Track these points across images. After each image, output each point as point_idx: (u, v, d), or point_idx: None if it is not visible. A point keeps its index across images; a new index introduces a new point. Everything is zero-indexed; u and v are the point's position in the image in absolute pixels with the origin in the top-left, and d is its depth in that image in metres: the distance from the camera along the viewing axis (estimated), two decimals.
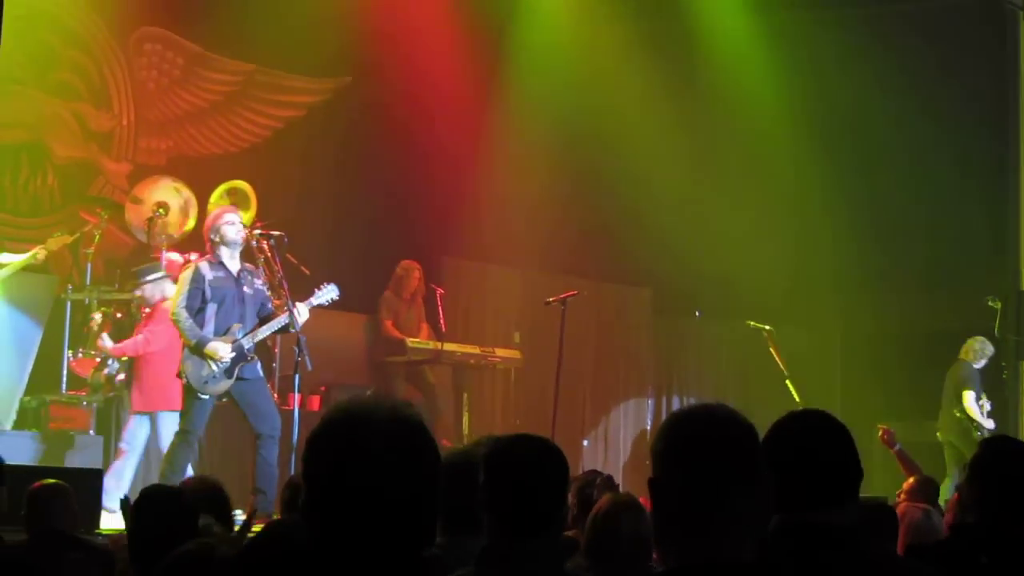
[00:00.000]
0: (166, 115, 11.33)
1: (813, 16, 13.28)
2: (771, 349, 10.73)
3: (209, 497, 4.25)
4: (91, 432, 9.08)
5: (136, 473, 8.63)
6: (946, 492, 8.69)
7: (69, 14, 10.75)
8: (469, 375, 11.39)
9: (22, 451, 8.71)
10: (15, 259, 8.93)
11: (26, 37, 9.83)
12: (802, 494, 2.57)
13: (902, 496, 5.94)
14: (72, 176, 10.71)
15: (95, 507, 6.94)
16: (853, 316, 13.82)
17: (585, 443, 13.00)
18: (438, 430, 10.05)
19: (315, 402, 10.35)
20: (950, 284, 12.91)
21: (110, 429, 9.29)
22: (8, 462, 4.89)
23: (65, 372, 9.36)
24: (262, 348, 8.45)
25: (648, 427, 13.47)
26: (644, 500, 2.83)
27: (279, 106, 11.95)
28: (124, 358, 9.04)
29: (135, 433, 8.64)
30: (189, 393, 7.93)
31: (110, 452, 8.94)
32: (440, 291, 10.99)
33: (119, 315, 9.46)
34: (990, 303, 11.91)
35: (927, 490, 5.91)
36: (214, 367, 7.84)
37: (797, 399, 10.22)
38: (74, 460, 8.62)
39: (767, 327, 10.87)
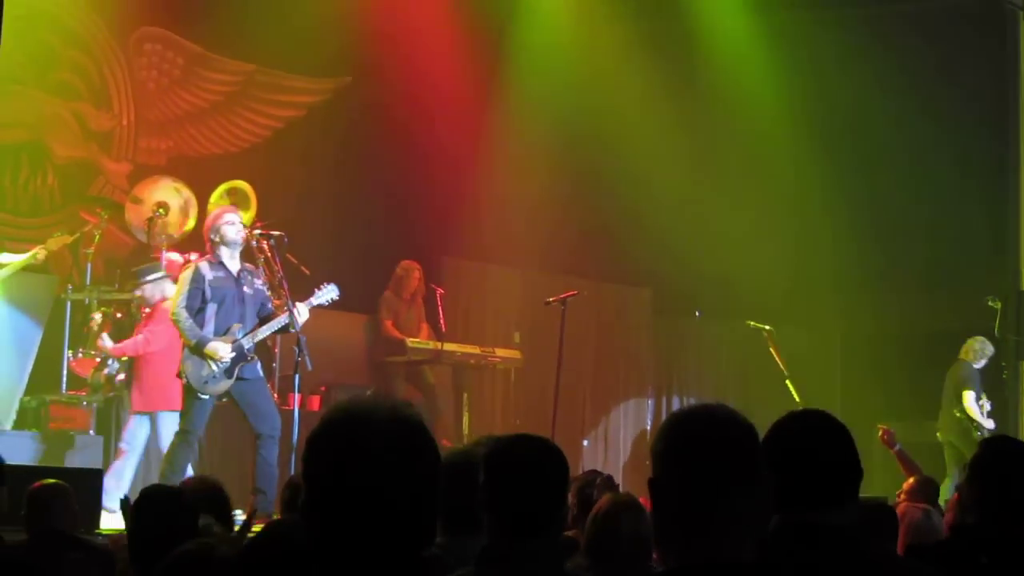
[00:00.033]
0: (166, 115, 11.33)
1: (813, 16, 13.28)
2: (771, 349, 10.73)
3: (209, 497, 4.25)
4: (91, 432, 9.08)
5: (136, 473, 8.63)
6: (946, 492, 8.69)
7: (69, 14, 10.75)
8: (469, 375, 11.39)
9: (22, 451, 8.71)
10: (15, 259, 8.92)
11: (26, 37, 9.83)
12: (802, 494, 2.57)
13: (902, 496, 5.94)
14: (72, 176, 10.71)
15: (95, 507, 6.94)
16: (853, 316, 13.82)
17: (585, 443, 13.01)
18: (438, 430, 10.05)
19: (315, 402, 10.35)
20: (950, 284, 12.91)
21: (110, 429, 9.28)
22: (8, 462, 4.89)
23: (65, 372, 9.36)
24: (262, 348, 8.45)
25: (648, 427, 13.47)
26: (644, 500, 2.83)
27: (279, 106, 11.95)
28: (124, 358, 9.03)
29: (135, 433, 8.64)
30: (189, 393, 7.93)
31: (110, 452, 8.94)
32: (440, 291, 11.00)
33: (119, 315, 9.46)
34: (990, 303, 11.91)
35: (927, 490, 5.91)
36: (214, 367, 7.83)
37: (797, 399, 10.22)
38: (74, 460, 8.61)
39: (767, 327, 10.87)
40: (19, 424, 9.11)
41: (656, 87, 12.86)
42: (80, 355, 9.24)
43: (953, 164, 12.96)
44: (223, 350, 7.81)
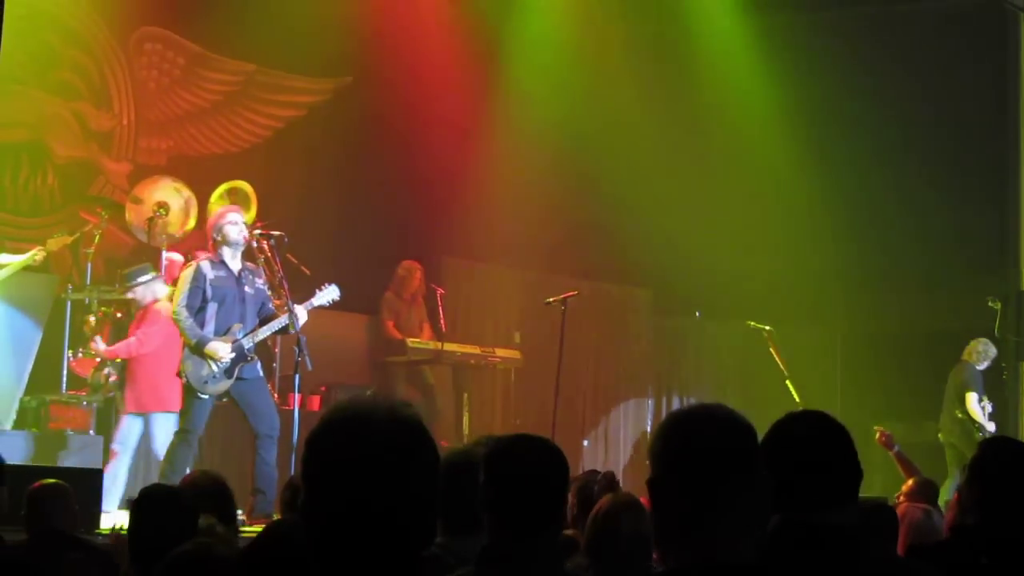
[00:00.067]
0: (166, 115, 11.33)
1: (814, 17, 13.29)
2: (771, 349, 10.73)
3: (213, 493, 4.24)
4: (91, 432, 9.07)
5: (131, 473, 8.60)
6: (946, 493, 8.69)
7: (70, 14, 10.75)
8: (469, 375, 11.39)
9: (22, 451, 8.72)
10: (15, 259, 8.92)
11: (27, 37, 9.83)
12: (802, 494, 2.57)
13: (901, 498, 5.94)
14: (72, 176, 10.71)
15: (95, 507, 6.93)
16: (853, 316, 13.82)
17: (585, 443, 13.01)
18: (437, 431, 10.05)
19: (315, 402, 10.34)
20: (950, 284, 12.91)
21: (110, 429, 9.27)
22: (8, 462, 4.89)
23: (65, 372, 9.36)
24: (262, 348, 8.45)
25: (648, 427, 13.47)
26: (645, 500, 2.83)
27: (279, 106, 11.95)
28: (118, 360, 9.01)
29: (127, 434, 8.60)
30: (189, 393, 7.93)
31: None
32: (440, 291, 11.00)
33: (119, 315, 9.45)
34: (990, 304, 11.92)
35: (927, 492, 5.90)
36: (214, 367, 7.83)
37: (797, 399, 10.22)
38: (74, 460, 8.61)
39: (767, 327, 10.87)
40: (19, 424, 9.11)
41: (655, 87, 12.87)
42: (80, 355, 9.24)
43: (953, 164, 12.96)
44: (223, 350, 7.81)
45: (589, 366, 13.09)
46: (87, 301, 9.40)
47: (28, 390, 9.25)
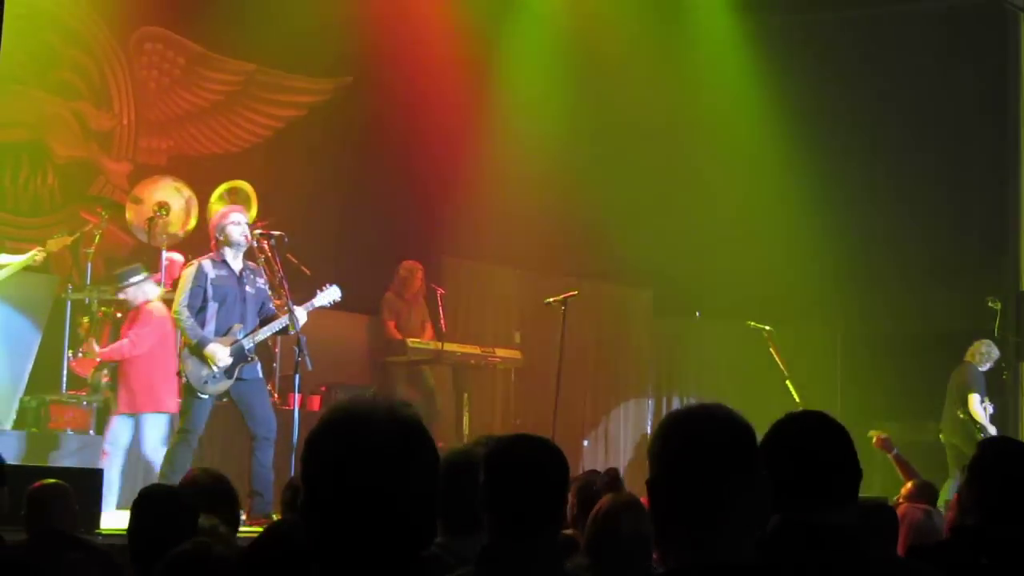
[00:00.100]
0: (167, 115, 11.33)
1: (814, 17, 13.29)
2: (771, 349, 10.72)
3: (216, 491, 4.23)
4: (91, 432, 9.07)
5: (123, 474, 8.57)
6: (947, 493, 8.69)
7: (70, 13, 10.75)
8: (469, 375, 11.38)
9: (22, 451, 8.72)
10: (15, 260, 8.91)
11: (27, 36, 9.83)
12: (801, 494, 2.58)
13: (901, 500, 5.93)
14: (72, 176, 10.71)
15: (95, 507, 6.93)
16: (853, 316, 13.81)
17: (585, 443, 13.01)
18: (436, 433, 10.04)
19: (315, 402, 10.35)
20: (950, 284, 12.90)
21: None
22: (8, 462, 4.88)
23: (65, 372, 9.36)
24: (262, 348, 8.45)
25: (648, 428, 13.47)
26: (645, 500, 2.83)
27: (280, 106, 11.95)
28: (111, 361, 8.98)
29: (118, 434, 8.55)
30: (189, 392, 7.92)
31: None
32: (440, 291, 11.00)
33: (120, 315, 9.45)
34: (990, 304, 11.91)
35: (926, 494, 5.90)
36: (214, 367, 7.83)
37: (797, 399, 10.22)
38: (74, 460, 8.60)
39: (767, 327, 10.86)
40: (19, 424, 9.11)
41: (655, 87, 12.86)
42: (80, 355, 9.24)
43: (953, 164, 12.96)
44: (221, 353, 7.80)
45: (589, 366, 13.09)
46: (87, 301, 9.40)
47: (28, 390, 9.24)
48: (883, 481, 9.23)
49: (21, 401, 9.17)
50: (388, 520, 1.90)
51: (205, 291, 7.90)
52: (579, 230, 12.81)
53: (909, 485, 6.10)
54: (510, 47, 12.71)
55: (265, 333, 8.03)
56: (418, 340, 10.83)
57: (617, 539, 3.57)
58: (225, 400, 8.13)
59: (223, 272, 7.96)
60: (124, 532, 4.04)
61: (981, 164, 13.10)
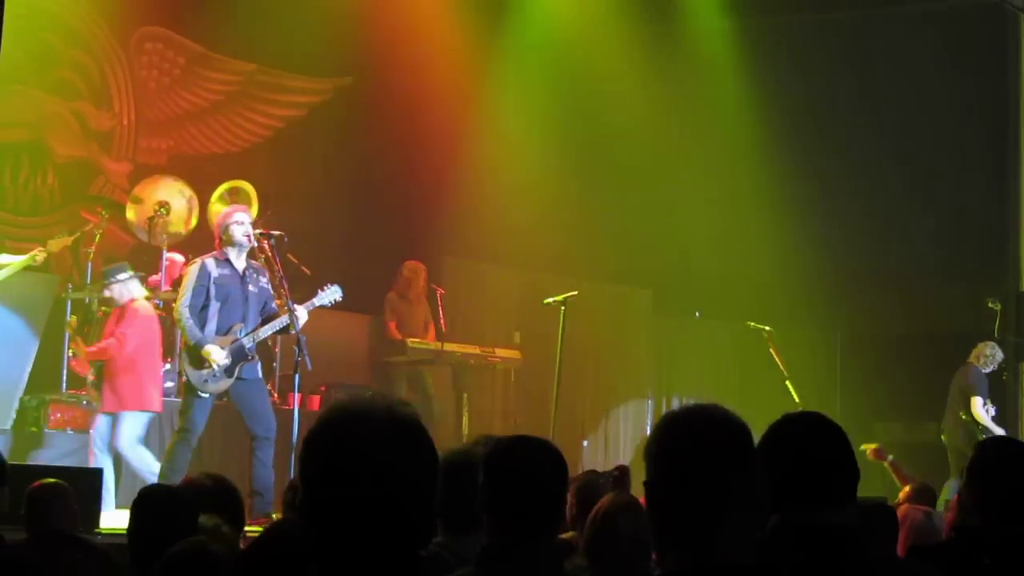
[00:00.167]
0: (167, 114, 11.33)
1: (814, 18, 13.30)
2: (771, 350, 10.72)
3: (219, 492, 4.23)
4: (91, 431, 9.05)
5: (115, 471, 8.52)
6: (947, 494, 8.69)
7: (70, 13, 10.76)
8: (469, 375, 11.38)
9: (22, 450, 8.73)
10: (15, 260, 8.90)
11: (27, 36, 9.83)
12: (800, 495, 2.57)
13: (901, 501, 5.93)
14: (72, 175, 10.71)
15: (94, 507, 6.93)
16: (853, 316, 13.81)
17: (585, 443, 13.01)
18: (435, 436, 10.02)
19: (315, 402, 10.35)
20: (950, 285, 12.91)
21: None
22: (8, 461, 4.88)
23: (65, 371, 9.36)
24: (262, 348, 8.44)
25: (648, 428, 13.47)
26: (644, 500, 2.83)
27: (280, 106, 11.96)
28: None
29: (104, 433, 8.51)
30: (189, 392, 7.92)
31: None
32: (440, 291, 11.00)
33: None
34: (990, 304, 11.90)
35: (925, 496, 5.91)
36: (213, 366, 7.83)
37: (797, 400, 10.21)
38: (74, 460, 8.60)
39: (767, 328, 10.86)
40: (19, 423, 9.10)
41: (656, 87, 12.86)
42: (72, 354, 9.23)
43: (954, 165, 12.96)
44: (217, 354, 7.79)
45: (589, 366, 13.09)
46: (87, 301, 9.40)
47: (28, 390, 9.24)
48: (883, 481, 9.22)
49: (21, 401, 9.17)
50: (387, 520, 1.90)
51: (208, 290, 7.90)
52: (579, 230, 12.81)
53: (907, 489, 6.10)
54: (509, 47, 12.71)
55: (266, 332, 8.03)
56: (418, 340, 10.82)
57: (616, 540, 3.57)
58: (225, 400, 8.13)
59: (226, 271, 7.96)
60: (123, 532, 4.04)
61: (981, 165, 13.10)
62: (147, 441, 8.59)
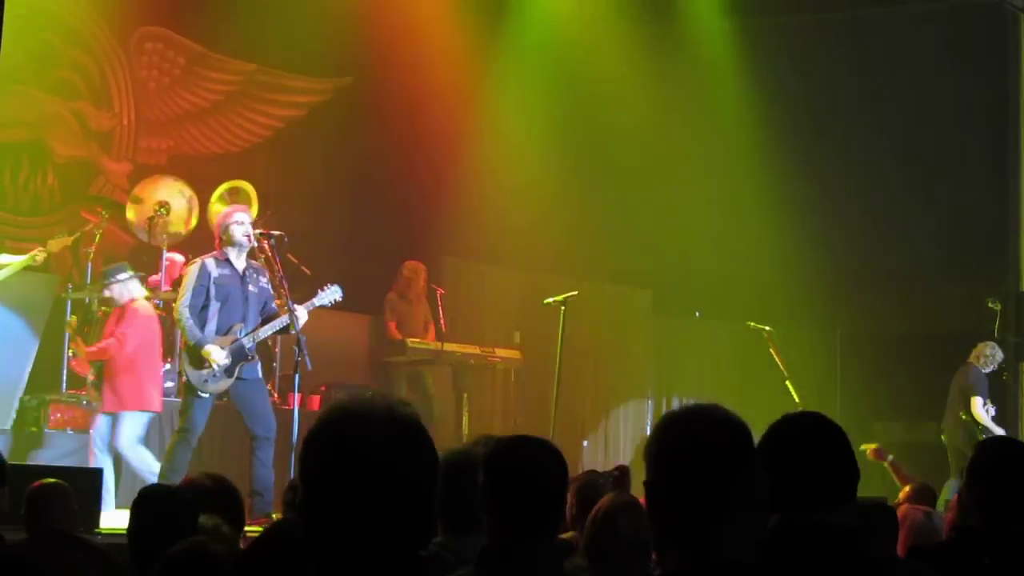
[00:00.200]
0: (167, 114, 11.34)
1: (814, 18, 13.30)
2: (771, 350, 10.72)
3: (219, 492, 4.23)
4: (91, 431, 9.06)
5: (115, 471, 8.53)
6: (947, 494, 8.69)
7: (70, 13, 10.76)
8: (469, 375, 11.38)
9: (22, 450, 8.73)
10: (15, 260, 8.90)
11: (27, 36, 9.83)
12: (799, 495, 2.57)
13: (901, 501, 5.93)
14: (72, 175, 10.71)
15: (94, 507, 6.93)
16: (853, 316, 13.81)
17: (585, 443, 13.01)
18: (435, 436, 10.01)
19: (315, 402, 10.35)
20: (950, 285, 12.90)
21: None
22: (8, 461, 4.88)
23: (65, 371, 9.36)
24: (262, 348, 8.44)
25: (648, 428, 13.46)
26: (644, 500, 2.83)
27: (280, 106, 11.96)
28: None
29: (104, 433, 8.51)
30: (189, 392, 7.92)
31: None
32: (440, 291, 11.00)
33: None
34: (990, 305, 11.90)
35: (925, 496, 5.90)
36: (213, 366, 7.82)
37: (797, 400, 10.21)
38: (74, 460, 8.60)
39: (767, 328, 10.86)
40: (19, 423, 9.10)
41: (657, 87, 12.86)
42: (72, 354, 9.23)
43: (953, 164, 12.96)
44: (217, 354, 7.79)
45: (589, 366, 13.08)
46: (87, 301, 9.40)
47: (28, 389, 9.24)
48: (883, 481, 9.22)
49: (21, 401, 9.17)
50: (387, 520, 1.90)
51: (208, 290, 7.89)
52: (579, 230, 12.81)
53: (907, 489, 6.10)
54: (509, 48, 12.71)
55: (266, 332, 8.03)
56: (418, 340, 10.82)
57: (616, 539, 3.57)
58: (225, 400, 8.13)
59: (226, 271, 7.95)
60: (123, 532, 4.04)
61: (981, 165, 13.09)
62: (147, 441, 8.59)
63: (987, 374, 11.13)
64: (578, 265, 12.59)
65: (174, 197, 10.12)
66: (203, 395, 7.86)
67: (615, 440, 13.37)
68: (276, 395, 9.78)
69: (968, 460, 3.51)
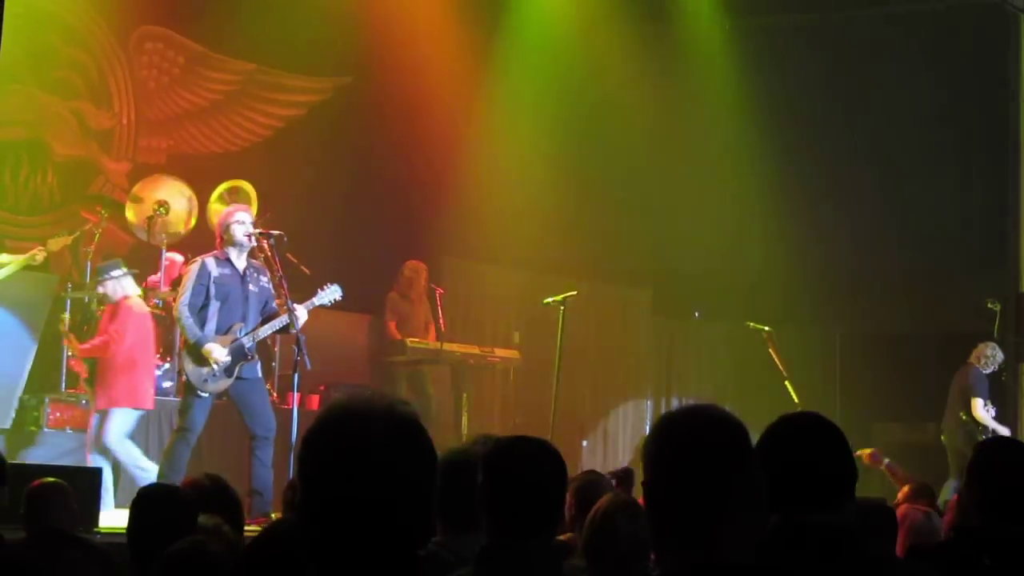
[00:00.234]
0: (166, 114, 11.34)
1: (815, 18, 13.29)
2: (770, 350, 10.72)
3: (220, 495, 4.22)
4: (87, 431, 9.05)
5: (112, 469, 8.52)
6: (946, 494, 8.68)
7: (69, 12, 10.75)
8: (468, 375, 11.38)
9: (21, 449, 8.72)
10: (14, 259, 8.90)
11: (26, 35, 9.83)
12: (798, 495, 2.57)
13: (900, 501, 5.92)
14: (72, 174, 10.71)
15: (94, 506, 6.93)
16: (853, 316, 13.81)
17: (584, 443, 13.01)
18: (434, 436, 10.00)
19: (314, 401, 10.35)
20: (950, 285, 12.90)
21: None
22: (7, 461, 4.88)
23: (64, 371, 9.35)
24: (262, 347, 8.43)
25: (648, 429, 13.46)
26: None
27: (279, 105, 11.96)
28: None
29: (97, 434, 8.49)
30: (189, 391, 7.91)
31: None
32: (440, 291, 11.00)
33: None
34: (989, 305, 11.89)
35: (924, 495, 5.90)
36: (214, 365, 7.82)
37: (796, 400, 10.21)
38: (73, 459, 8.59)
39: (766, 328, 10.86)
40: (18, 422, 9.10)
41: (657, 87, 12.86)
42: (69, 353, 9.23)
43: (953, 164, 12.96)
44: (218, 352, 7.79)
45: (588, 366, 13.09)
46: (87, 300, 9.39)
47: (27, 389, 9.24)
48: (883, 481, 9.22)
49: (20, 400, 9.17)
50: (385, 519, 1.90)
51: (208, 289, 7.88)
52: (579, 230, 12.81)
53: (906, 489, 6.10)
54: (511, 48, 12.71)
55: (265, 331, 8.02)
56: (418, 340, 10.82)
57: (615, 540, 3.57)
58: (224, 399, 8.12)
59: (226, 271, 7.95)
60: (123, 531, 4.04)
61: (981, 165, 13.09)
62: (146, 441, 8.59)
63: (987, 375, 11.12)
64: (578, 265, 12.58)
65: (174, 197, 10.11)
66: (203, 395, 7.85)
67: (614, 440, 13.37)
68: (275, 394, 9.78)
69: (966, 460, 3.51)
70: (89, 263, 9.58)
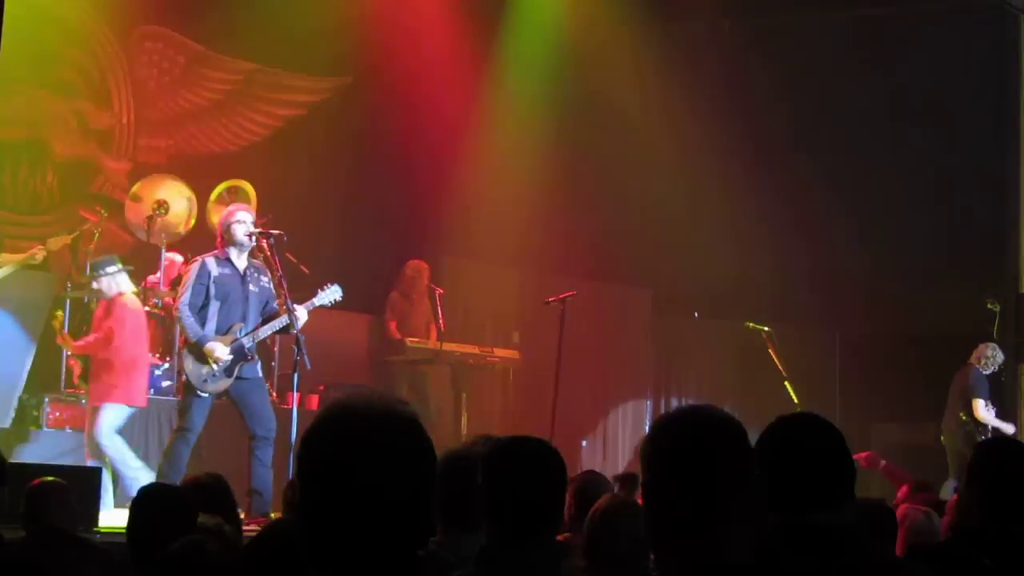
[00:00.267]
0: (166, 113, 11.34)
1: (815, 18, 13.29)
2: (770, 350, 10.72)
3: (218, 494, 4.23)
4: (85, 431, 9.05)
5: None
6: (945, 494, 8.68)
7: (69, 12, 10.76)
8: (468, 375, 11.38)
9: (21, 449, 8.72)
10: (14, 258, 8.90)
11: (27, 35, 9.82)
12: (796, 495, 2.57)
13: (900, 501, 5.92)
14: (72, 174, 10.71)
15: (93, 505, 6.93)
16: (853, 317, 13.81)
17: (583, 444, 13.00)
18: (433, 436, 10.01)
19: (314, 401, 10.35)
20: (950, 285, 12.89)
21: None
22: (7, 460, 4.88)
23: (64, 370, 9.35)
24: (262, 347, 8.43)
25: (647, 429, 13.45)
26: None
27: (279, 105, 11.96)
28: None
29: None
30: (189, 391, 7.91)
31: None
32: (440, 291, 11.00)
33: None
34: (989, 306, 11.89)
35: (924, 492, 5.90)
36: (214, 365, 7.82)
37: (796, 400, 10.21)
38: (72, 458, 8.59)
39: (766, 328, 10.86)
40: (18, 422, 9.10)
41: (656, 87, 12.85)
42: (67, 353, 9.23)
43: (953, 165, 12.95)
44: (220, 351, 7.78)
45: (588, 366, 13.06)
46: (86, 300, 9.39)
47: (27, 388, 9.24)
48: (883, 482, 9.23)
49: (20, 399, 9.17)
50: (385, 519, 1.90)
51: (208, 289, 7.88)
52: (579, 230, 12.81)
53: (905, 488, 6.10)
54: (511, 47, 12.71)
55: (265, 331, 8.02)
56: (417, 340, 10.82)
57: (614, 540, 3.57)
58: (224, 399, 8.12)
59: (227, 270, 7.94)
60: (122, 530, 4.04)
61: (981, 165, 13.09)
62: (146, 441, 8.59)
63: (987, 375, 11.12)
64: (578, 265, 12.58)
65: (173, 196, 10.11)
66: (202, 394, 7.85)
67: (614, 440, 13.37)
68: (275, 394, 9.77)
69: (966, 460, 3.51)
70: (88, 263, 9.58)
